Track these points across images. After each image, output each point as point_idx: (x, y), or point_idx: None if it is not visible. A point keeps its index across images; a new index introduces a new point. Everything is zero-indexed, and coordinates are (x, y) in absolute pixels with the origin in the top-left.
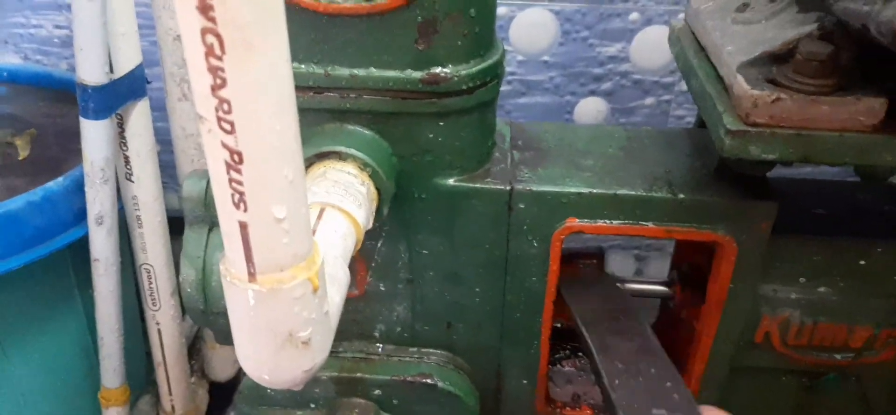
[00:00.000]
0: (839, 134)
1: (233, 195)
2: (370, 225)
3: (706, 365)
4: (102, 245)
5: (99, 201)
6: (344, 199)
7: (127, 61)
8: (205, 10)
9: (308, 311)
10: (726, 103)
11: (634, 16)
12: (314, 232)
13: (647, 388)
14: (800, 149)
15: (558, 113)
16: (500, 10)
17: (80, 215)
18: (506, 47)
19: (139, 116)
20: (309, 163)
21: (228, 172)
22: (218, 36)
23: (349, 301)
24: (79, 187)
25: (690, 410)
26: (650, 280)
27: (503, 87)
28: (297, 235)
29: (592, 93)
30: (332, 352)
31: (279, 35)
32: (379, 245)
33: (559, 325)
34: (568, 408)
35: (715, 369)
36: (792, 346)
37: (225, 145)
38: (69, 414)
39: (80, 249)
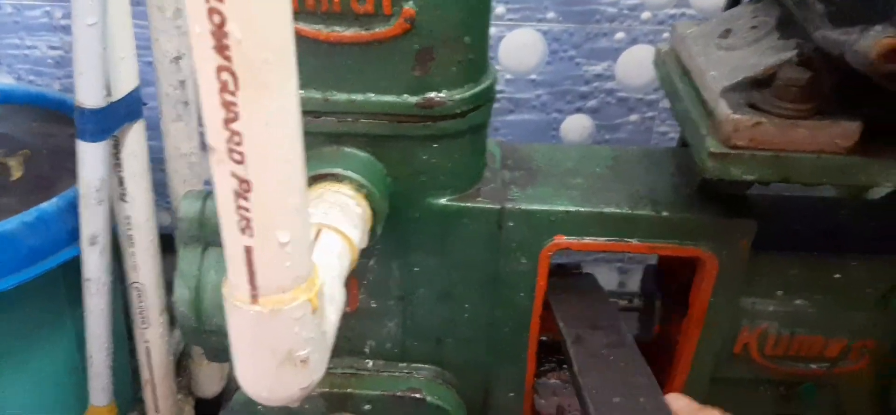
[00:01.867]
0: (817, 155)
1: (240, 221)
2: (365, 245)
3: (687, 377)
4: (95, 265)
5: (93, 222)
6: (341, 220)
7: (125, 84)
8: (221, 49)
9: (307, 331)
10: (708, 126)
11: (620, 35)
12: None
13: (615, 377)
14: (779, 170)
15: (545, 130)
16: (490, 31)
17: (74, 235)
18: (494, 66)
19: (135, 137)
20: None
21: (237, 200)
22: (233, 74)
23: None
24: (72, 208)
25: (654, 395)
26: (633, 293)
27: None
28: (300, 258)
29: (578, 110)
30: None
31: (290, 74)
32: (371, 263)
33: (545, 339)
34: None
35: (696, 380)
36: (770, 356)
37: (234, 175)
38: None
39: (72, 268)
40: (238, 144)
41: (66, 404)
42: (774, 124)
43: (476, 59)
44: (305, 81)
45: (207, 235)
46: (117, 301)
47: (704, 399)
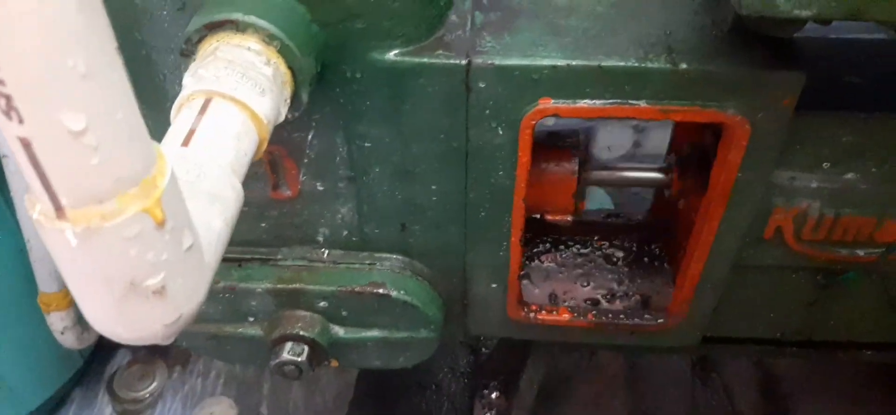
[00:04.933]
0: None
1: None
2: (282, 117)
3: (705, 263)
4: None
5: None
6: (239, 85)
7: None
8: None
9: (155, 251)
10: None
11: None
12: (192, 133)
13: None
14: (847, 2)
15: None
16: None
17: None
18: None
19: None
20: (199, 36)
21: None
22: None
23: (284, 204)
24: None
25: None
26: (643, 167)
27: None
28: (116, 151)
29: None
30: (267, 260)
31: None
32: (310, 138)
33: (537, 216)
34: (543, 311)
35: (715, 267)
36: (807, 241)
37: None
38: (12, 318)
39: None
40: None
41: (16, 288)
42: None
43: None
44: None
45: None
46: None
47: (725, 287)
